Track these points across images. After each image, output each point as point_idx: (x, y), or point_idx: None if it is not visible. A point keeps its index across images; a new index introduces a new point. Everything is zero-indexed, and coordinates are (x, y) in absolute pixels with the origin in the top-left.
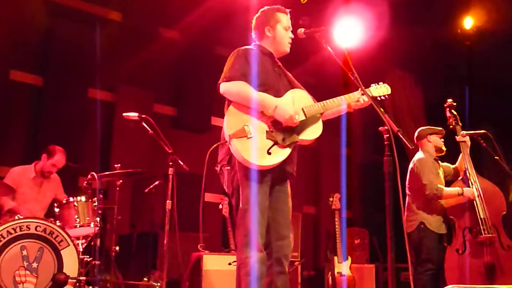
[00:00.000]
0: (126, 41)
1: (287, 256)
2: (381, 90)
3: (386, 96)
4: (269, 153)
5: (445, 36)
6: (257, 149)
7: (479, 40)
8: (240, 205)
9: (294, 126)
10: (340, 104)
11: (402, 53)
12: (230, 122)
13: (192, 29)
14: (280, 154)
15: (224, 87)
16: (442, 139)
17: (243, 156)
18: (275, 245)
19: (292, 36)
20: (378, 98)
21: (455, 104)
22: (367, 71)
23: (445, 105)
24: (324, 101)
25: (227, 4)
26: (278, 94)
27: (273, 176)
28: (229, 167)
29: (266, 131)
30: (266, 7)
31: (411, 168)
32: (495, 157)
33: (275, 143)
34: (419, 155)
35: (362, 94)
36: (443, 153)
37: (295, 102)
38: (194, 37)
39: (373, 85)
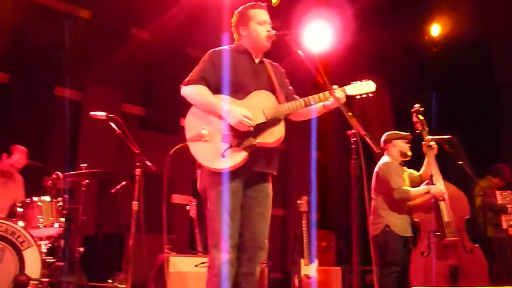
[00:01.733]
0: (95, 40)
1: (258, 257)
2: (360, 88)
3: (369, 95)
4: (223, 156)
5: (413, 42)
6: (211, 152)
7: (446, 47)
8: (208, 206)
9: (247, 130)
10: (303, 106)
11: (371, 58)
12: (188, 125)
13: (163, 29)
14: (235, 157)
15: (183, 91)
16: (409, 144)
17: (199, 160)
18: (247, 246)
19: (270, 28)
20: (358, 97)
21: (422, 109)
22: (336, 75)
23: (412, 110)
24: (287, 103)
25: (199, 5)
26: (248, 93)
27: (245, 177)
28: (199, 170)
29: (222, 134)
30: (240, 7)
31: (376, 172)
32: (460, 162)
33: (230, 146)
34: (384, 159)
35: (331, 95)
36: (408, 158)
37: (257, 104)
38: (165, 38)
39: (353, 82)
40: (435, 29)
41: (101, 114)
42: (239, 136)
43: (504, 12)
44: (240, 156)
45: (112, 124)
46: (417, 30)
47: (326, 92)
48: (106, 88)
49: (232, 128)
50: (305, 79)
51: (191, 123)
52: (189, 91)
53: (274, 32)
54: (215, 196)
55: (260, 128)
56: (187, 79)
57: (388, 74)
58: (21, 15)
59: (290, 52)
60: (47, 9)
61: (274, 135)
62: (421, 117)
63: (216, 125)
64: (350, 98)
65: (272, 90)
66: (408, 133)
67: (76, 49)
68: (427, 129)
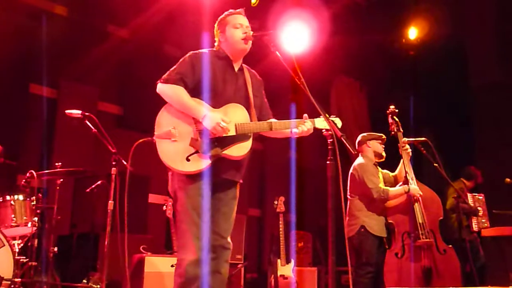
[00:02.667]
0: (71, 36)
1: (223, 256)
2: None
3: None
4: (187, 160)
5: (390, 45)
6: (177, 154)
7: (423, 50)
8: (178, 207)
9: (220, 138)
10: (269, 129)
11: (348, 60)
12: (159, 122)
13: (140, 28)
14: (199, 163)
15: (159, 88)
16: (383, 146)
17: (162, 158)
18: (212, 245)
19: (247, 31)
20: (323, 131)
21: (397, 110)
22: (313, 77)
23: (387, 111)
24: (257, 122)
25: (177, 4)
26: (225, 100)
27: (212, 181)
28: (171, 172)
29: (191, 138)
30: (220, 17)
31: (352, 173)
32: (435, 165)
33: (196, 151)
34: (359, 160)
35: (300, 124)
36: (383, 159)
37: (230, 116)
38: (143, 36)
39: (321, 116)
40: (412, 32)
41: (76, 112)
42: (207, 144)
43: (479, 16)
44: (203, 163)
45: (88, 123)
46: (394, 33)
47: (296, 120)
48: (82, 86)
49: (201, 134)
50: (282, 80)
51: (163, 120)
52: (166, 89)
53: (251, 33)
54: (184, 197)
55: (229, 141)
56: (165, 76)
57: (365, 76)
58: None
59: (268, 53)
60: (22, 4)
61: (241, 150)
62: (396, 119)
63: (187, 127)
64: (326, 96)
65: (247, 101)
66: (382, 134)
67: (52, 46)
68: (402, 130)
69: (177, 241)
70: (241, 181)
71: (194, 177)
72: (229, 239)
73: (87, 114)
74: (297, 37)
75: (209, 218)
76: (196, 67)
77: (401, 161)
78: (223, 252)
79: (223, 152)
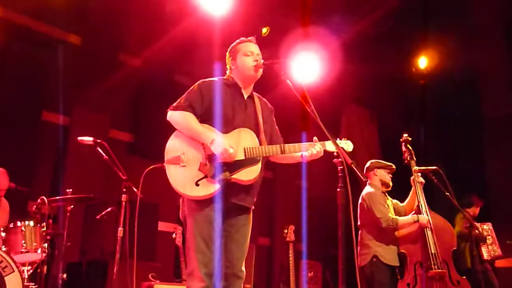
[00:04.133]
0: (84, 65)
1: (235, 286)
2: (340, 145)
3: (340, 160)
4: (197, 185)
5: (400, 74)
6: (186, 178)
7: (433, 79)
8: (187, 234)
9: (229, 162)
10: (279, 152)
11: (359, 89)
12: (169, 147)
13: (152, 57)
14: (209, 188)
15: (169, 115)
16: (391, 175)
17: (172, 183)
18: (224, 273)
19: (258, 58)
20: (334, 154)
21: (410, 139)
22: (324, 106)
23: (401, 139)
24: (267, 146)
25: (189, 34)
26: (234, 127)
27: (223, 207)
28: (182, 198)
29: (200, 163)
30: (231, 45)
31: (361, 203)
32: (446, 194)
33: (205, 176)
34: (367, 189)
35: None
36: (389, 189)
37: (239, 140)
38: (154, 65)
39: (333, 139)
40: (423, 62)
41: (88, 139)
42: (216, 168)
43: (490, 47)
44: (213, 188)
45: (99, 150)
46: (404, 62)
47: (306, 144)
48: (94, 113)
49: (210, 159)
50: (293, 109)
51: (172, 146)
52: (176, 116)
53: (262, 61)
54: (192, 224)
55: (238, 165)
56: (174, 104)
57: (375, 105)
58: (9, 38)
59: (279, 81)
60: (36, 33)
61: (250, 174)
62: (409, 147)
63: (196, 153)
64: (336, 125)
65: (257, 127)
66: (391, 164)
67: (65, 74)
68: (415, 159)
69: (186, 268)
70: (252, 207)
71: (203, 203)
72: (242, 268)
73: (98, 141)
74: (307, 66)
75: (219, 246)
76: (204, 94)
77: (411, 191)
78: (235, 281)
79: (232, 177)
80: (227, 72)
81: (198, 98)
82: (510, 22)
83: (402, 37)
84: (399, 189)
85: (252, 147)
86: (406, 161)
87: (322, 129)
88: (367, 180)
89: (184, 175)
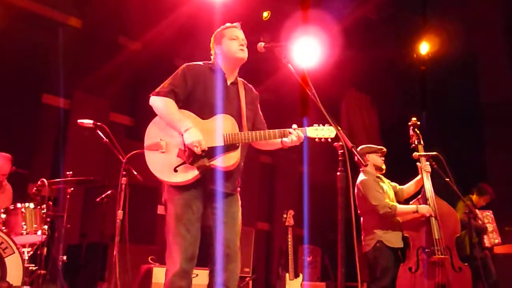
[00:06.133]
0: (84, 48)
1: (231, 270)
2: (321, 132)
3: (327, 140)
4: (175, 171)
5: (401, 60)
6: (165, 165)
7: (434, 65)
8: (166, 217)
9: (208, 149)
10: (260, 138)
11: (359, 75)
12: (149, 133)
13: (152, 40)
14: (187, 174)
15: (151, 100)
16: (382, 158)
17: (151, 169)
18: (218, 257)
19: (243, 42)
20: (316, 140)
21: (419, 123)
22: (324, 91)
23: (409, 123)
24: (246, 132)
25: (189, 18)
26: (215, 112)
27: (203, 192)
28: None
29: (179, 149)
30: (216, 31)
31: (356, 192)
32: (446, 179)
33: (183, 162)
34: (361, 177)
35: (292, 131)
36: (383, 172)
37: (219, 127)
38: (155, 49)
39: (315, 125)
40: (424, 47)
41: (88, 122)
42: (195, 154)
43: (491, 33)
44: (191, 174)
45: (99, 133)
46: (405, 48)
47: (286, 130)
48: (94, 96)
49: None
50: (294, 94)
51: (152, 132)
52: (156, 102)
53: (263, 44)
54: (171, 208)
55: (217, 151)
56: (157, 89)
57: (375, 90)
58: (9, 20)
59: (280, 66)
60: (37, 16)
61: (228, 161)
62: (417, 131)
63: (175, 139)
64: (336, 110)
65: (239, 113)
66: (382, 147)
67: (65, 57)
68: (422, 143)
69: (166, 252)
70: (233, 192)
71: (181, 188)
72: (236, 249)
73: (98, 124)
74: (308, 51)
75: (198, 229)
76: (188, 79)
77: (417, 177)
78: (230, 264)
79: (211, 163)
80: (212, 57)
81: (182, 83)
82: (510, 7)
83: (402, 23)
84: (402, 174)
85: (231, 133)
86: (413, 145)
87: (323, 113)
88: (367, 164)
89: (163, 161)
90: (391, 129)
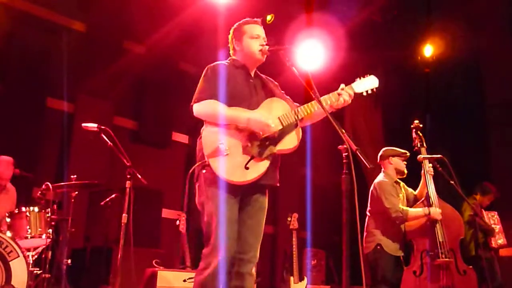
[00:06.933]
0: (89, 52)
1: (249, 272)
2: (366, 84)
3: (374, 90)
4: (247, 168)
5: (406, 62)
6: (234, 167)
7: (438, 68)
8: (205, 219)
9: (272, 136)
10: (316, 108)
11: (363, 77)
12: (205, 142)
13: (157, 44)
14: (259, 168)
15: (195, 109)
16: (405, 162)
17: (222, 175)
18: (237, 259)
19: (264, 42)
20: (364, 93)
21: (421, 125)
22: (328, 93)
23: (412, 126)
24: (300, 107)
25: (193, 22)
26: (251, 106)
27: (241, 191)
28: (198, 184)
29: (242, 146)
30: (236, 24)
31: (372, 191)
32: (451, 182)
33: (252, 157)
34: (380, 177)
35: (340, 95)
36: (404, 176)
37: (271, 111)
38: (159, 52)
39: (357, 79)
40: (428, 50)
41: (92, 125)
42: (259, 146)
43: (496, 34)
44: (263, 166)
45: (104, 136)
46: (409, 50)
47: (335, 93)
48: (98, 100)
49: (250, 139)
50: (297, 98)
51: (208, 139)
52: (202, 108)
53: (267, 47)
54: (213, 207)
55: (279, 136)
56: (196, 96)
57: (380, 93)
58: (15, 24)
59: (283, 69)
60: (41, 20)
61: (293, 140)
62: (420, 134)
63: (234, 138)
64: (340, 113)
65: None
66: (406, 151)
67: (69, 61)
68: (425, 146)
69: (205, 251)
70: (277, 184)
71: (223, 188)
72: (257, 254)
73: (103, 127)
74: (312, 54)
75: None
76: (217, 77)
77: (422, 179)
78: (248, 266)
79: (277, 149)
80: (231, 52)
81: (215, 82)
82: None
83: (407, 25)
84: (411, 175)
85: (286, 114)
86: (416, 148)
87: (327, 115)
88: (372, 167)
89: (231, 164)
90: (395, 131)
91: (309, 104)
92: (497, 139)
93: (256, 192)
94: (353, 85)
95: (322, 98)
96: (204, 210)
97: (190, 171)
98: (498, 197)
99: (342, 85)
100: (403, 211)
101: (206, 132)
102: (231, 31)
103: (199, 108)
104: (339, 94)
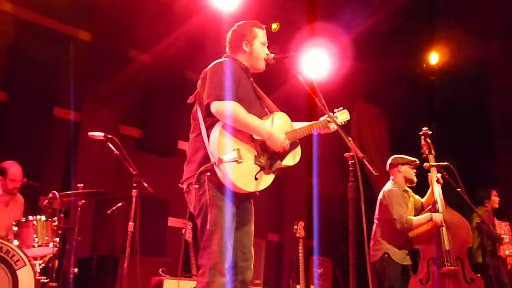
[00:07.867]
0: (95, 61)
1: (248, 279)
2: (343, 116)
3: (345, 122)
4: (256, 179)
5: (411, 70)
6: (247, 174)
7: (444, 76)
8: (208, 226)
9: (284, 152)
10: (310, 132)
11: (369, 86)
12: (222, 145)
13: (162, 52)
14: (266, 180)
15: (217, 108)
16: (415, 170)
17: (232, 181)
18: (240, 267)
19: (268, 52)
20: (341, 124)
21: (430, 132)
22: (333, 103)
23: (420, 133)
24: (300, 128)
25: (199, 30)
26: (259, 114)
27: (239, 197)
28: (197, 186)
29: (255, 156)
30: (242, 21)
31: (380, 199)
32: (457, 189)
33: (262, 168)
34: (388, 185)
35: (329, 122)
36: (413, 185)
37: (280, 126)
38: (164, 61)
39: (335, 110)
40: (433, 58)
41: (99, 134)
42: (270, 158)
43: (500, 43)
44: (270, 179)
45: (110, 145)
46: (415, 58)
47: (325, 119)
48: (104, 109)
49: (262, 149)
50: (302, 106)
51: (222, 142)
52: (226, 109)
53: (272, 55)
54: (218, 216)
55: (285, 151)
56: (217, 93)
57: (385, 101)
58: (21, 34)
59: (288, 77)
60: (47, 30)
61: (295, 158)
62: (428, 141)
63: (248, 145)
64: (346, 124)
65: (269, 106)
66: (415, 159)
67: (75, 70)
68: (433, 153)
69: (205, 262)
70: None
71: (231, 195)
72: (253, 260)
73: (109, 136)
74: (317, 63)
75: (235, 237)
76: (234, 77)
77: (430, 188)
78: (249, 273)
79: (283, 163)
80: (229, 50)
81: (232, 83)
82: None
83: (412, 33)
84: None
85: (292, 131)
86: (424, 155)
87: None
88: (377, 174)
89: (244, 171)
90: (400, 139)
91: (307, 126)
92: (503, 148)
93: (249, 199)
94: (336, 115)
95: (319, 121)
96: (204, 215)
97: (197, 173)
98: (506, 205)
99: (330, 114)
100: (408, 221)
101: (221, 134)
102: (239, 27)
103: (222, 108)
104: (328, 121)
